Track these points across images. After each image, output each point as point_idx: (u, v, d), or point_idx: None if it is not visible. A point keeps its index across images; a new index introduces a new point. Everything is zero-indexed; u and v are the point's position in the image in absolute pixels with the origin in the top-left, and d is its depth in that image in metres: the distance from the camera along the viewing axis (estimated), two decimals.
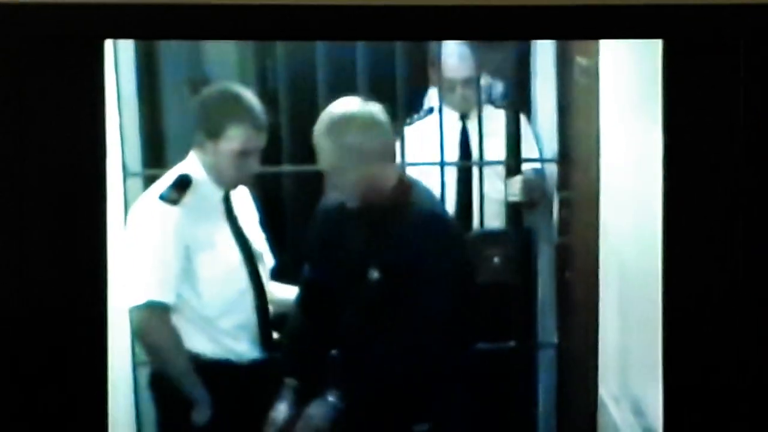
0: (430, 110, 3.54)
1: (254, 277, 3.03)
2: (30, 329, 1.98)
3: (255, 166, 2.99)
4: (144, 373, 3.13)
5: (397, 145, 3.11)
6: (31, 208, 1.96)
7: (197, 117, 2.99)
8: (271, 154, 3.28)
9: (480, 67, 3.50)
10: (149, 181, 3.13)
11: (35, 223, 1.97)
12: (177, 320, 2.93)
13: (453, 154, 3.56)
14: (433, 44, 3.49)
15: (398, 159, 3.16)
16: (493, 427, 3.25)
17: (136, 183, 3.26)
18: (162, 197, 2.92)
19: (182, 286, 2.93)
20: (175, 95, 3.48)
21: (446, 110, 3.53)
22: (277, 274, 3.16)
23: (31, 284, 1.97)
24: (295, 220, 3.39)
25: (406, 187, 2.95)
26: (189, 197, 2.93)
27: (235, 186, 3.02)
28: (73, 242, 1.98)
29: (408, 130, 3.45)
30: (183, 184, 2.94)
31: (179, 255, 2.91)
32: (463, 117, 3.58)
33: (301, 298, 3.06)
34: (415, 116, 3.55)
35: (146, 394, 3.12)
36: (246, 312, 3.02)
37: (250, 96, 2.98)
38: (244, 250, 3.02)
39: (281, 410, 2.94)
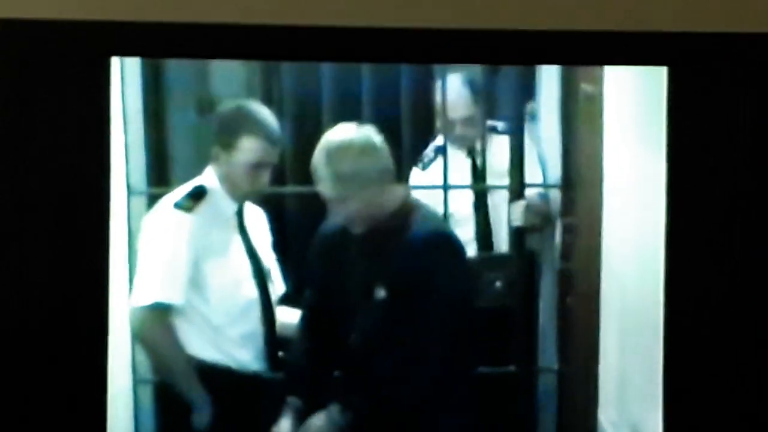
0: (440, 149, 3.53)
1: (263, 290, 3.07)
2: (29, 344, 1.98)
3: (266, 180, 3.04)
4: (145, 389, 3.13)
5: (397, 169, 3.11)
6: (35, 223, 1.96)
7: (214, 130, 3.06)
8: (276, 174, 3.28)
9: (480, 104, 3.51)
10: (153, 199, 3.13)
11: (39, 239, 1.97)
12: (183, 326, 2.96)
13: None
14: (435, 79, 3.50)
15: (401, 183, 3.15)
16: None
17: (140, 202, 3.25)
18: (177, 205, 2.98)
19: (190, 292, 2.95)
20: (181, 114, 3.48)
21: (452, 148, 3.54)
22: (287, 300, 3.19)
23: (34, 303, 1.97)
24: (298, 241, 3.39)
25: (410, 208, 2.95)
26: (203, 207, 2.99)
27: (247, 199, 3.07)
28: (77, 260, 1.98)
29: (420, 174, 3.47)
30: (198, 194, 3.00)
31: (189, 261, 2.95)
32: (471, 152, 3.59)
33: (305, 320, 3.06)
34: (425, 157, 3.55)
35: (146, 407, 3.13)
36: (253, 323, 3.05)
37: (266, 112, 3.04)
38: (254, 263, 3.07)
39: (283, 428, 2.94)
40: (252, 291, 3.06)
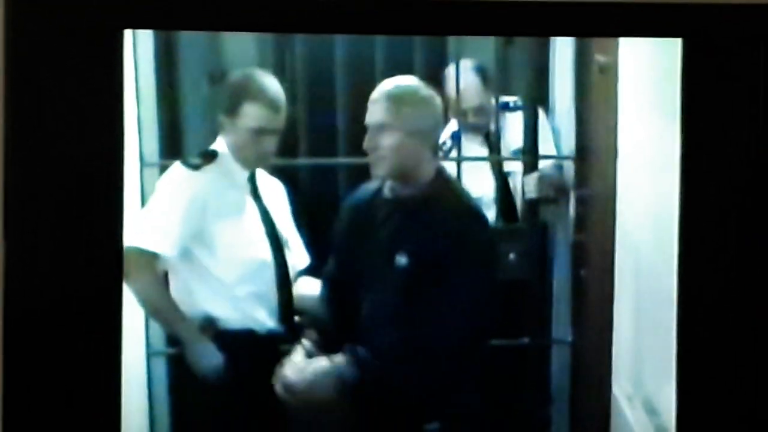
0: (456, 135, 3.53)
1: (277, 254, 3.09)
2: (44, 317, 1.98)
3: (273, 148, 3.06)
4: (158, 363, 3.14)
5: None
6: (49, 197, 1.97)
7: (218, 99, 3.11)
8: (288, 146, 3.28)
9: (490, 91, 3.52)
10: (166, 171, 3.14)
11: (52, 212, 1.97)
12: (187, 277, 3.00)
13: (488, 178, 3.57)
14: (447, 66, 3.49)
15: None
16: (505, 425, 3.24)
17: (153, 173, 3.26)
18: (184, 162, 3.04)
19: (195, 245, 2.98)
20: (194, 86, 3.48)
21: (466, 135, 3.54)
22: (311, 272, 3.19)
23: (46, 272, 1.98)
24: (312, 212, 3.39)
25: (443, 181, 2.99)
26: (213, 168, 3.03)
27: (256, 166, 3.09)
28: (90, 231, 1.98)
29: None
30: (208, 155, 3.05)
31: (194, 215, 2.97)
32: (486, 135, 3.60)
33: (325, 284, 3.07)
34: (444, 145, 3.54)
35: (160, 380, 3.15)
36: (265, 284, 3.07)
37: (270, 79, 3.06)
38: (268, 228, 3.09)
39: (291, 363, 2.96)
40: (265, 253, 3.07)
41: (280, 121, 3.04)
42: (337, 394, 2.89)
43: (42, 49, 1.95)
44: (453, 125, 3.53)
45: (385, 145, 2.92)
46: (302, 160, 3.53)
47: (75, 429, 1.99)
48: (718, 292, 2.04)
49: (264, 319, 3.05)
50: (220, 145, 3.07)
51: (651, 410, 2.73)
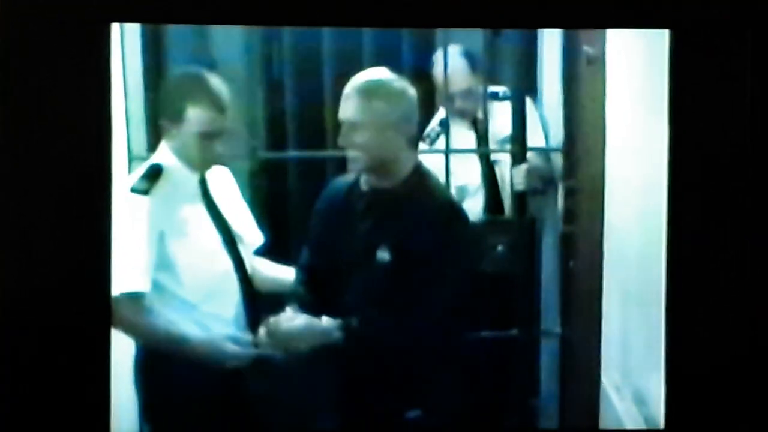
0: (444, 122, 3.53)
1: (236, 259, 3.02)
2: (34, 312, 1.98)
3: (223, 148, 2.98)
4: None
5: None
6: (37, 190, 1.96)
7: (160, 104, 3.00)
8: (277, 139, 3.28)
9: (478, 75, 3.51)
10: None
11: (41, 205, 1.97)
12: (162, 308, 2.91)
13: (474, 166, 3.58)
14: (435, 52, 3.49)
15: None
16: (493, 416, 3.25)
17: (141, 166, 3.25)
18: (133, 189, 2.92)
19: (160, 274, 2.91)
20: None
21: (454, 121, 3.54)
22: (267, 252, 3.15)
23: (36, 266, 1.97)
24: (300, 206, 3.39)
25: (421, 175, 2.96)
26: (162, 185, 2.93)
27: (206, 168, 3.00)
28: (79, 224, 1.98)
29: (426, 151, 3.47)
30: (153, 173, 2.94)
31: (154, 243, 2.89)
32: (473, 122, 3.59)
33: (303, 274, 3.06)
34: (432, 132, 3.54)
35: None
36: (230, 294, 3.01)
37: (211, 78, 2.96)
38: (223, 233, 3.01)
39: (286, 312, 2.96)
40: (225, 262, 3.01)
41: (225, 121, 2.95)
42: (319, 349, 2.88)
43: (29, 44, 1.95)
44: (441, 113, 3.52)
45: (358, 142, 2.91)
46: (291, 153, 3.53)
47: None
48: (706, 283, 2.04)
49: (233, 331, 2.98)
50: (163, 152, 2.98)
51: (640, 400, 2.73)
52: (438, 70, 3.45)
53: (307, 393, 3.00)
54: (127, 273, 2.84)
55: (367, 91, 2.90)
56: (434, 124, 3.51)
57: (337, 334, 2.89)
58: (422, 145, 3.45)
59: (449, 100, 3.51)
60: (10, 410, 1.99)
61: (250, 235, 3.11)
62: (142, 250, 2.88)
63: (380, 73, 2.96)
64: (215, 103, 2.93)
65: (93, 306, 2.00)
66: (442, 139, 3.50)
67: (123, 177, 3.09)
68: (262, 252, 3.14)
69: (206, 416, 2.94)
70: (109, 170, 2.01)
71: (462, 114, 3.55)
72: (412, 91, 2.94)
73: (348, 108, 2.91)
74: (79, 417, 2.01)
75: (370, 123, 2.90)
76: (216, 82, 2.95)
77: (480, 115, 3.57)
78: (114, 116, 2.02)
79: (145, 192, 2.91)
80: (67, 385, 2.00)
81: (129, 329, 2.87)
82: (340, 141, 2.94)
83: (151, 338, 2.93)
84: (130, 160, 3.23)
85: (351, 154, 2.94)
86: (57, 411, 2.00)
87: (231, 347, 2.95)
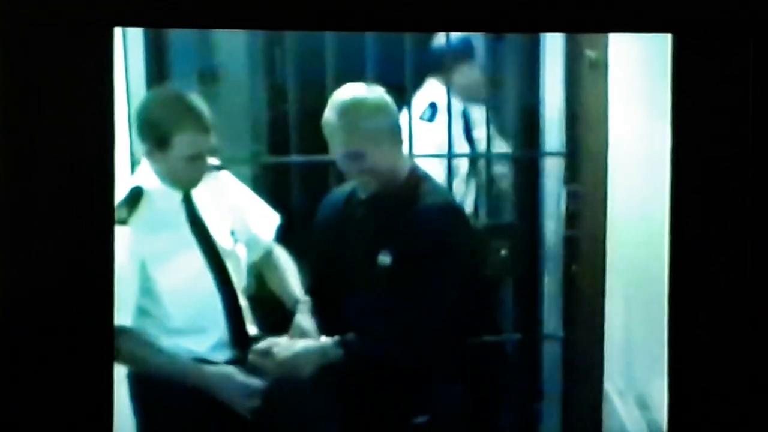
0: (433, 105, 3.53)
1: (221, 278, 2.95)
2: (35, 318, 1.98)
3: (206, 167, 2.92)
4: None
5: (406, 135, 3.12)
6: (40, 194, 1.96)
7: (141, 126, 2.91)
8: (280, 144, 3.27)
9: (481, 68, 3.52)
10: None
11: (43, 209, 1.97)
12: (148, 335, 2.85)
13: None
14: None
15: (406, 151, 3.16)
16: (496, 420, 3.25)
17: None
18: None
19: (145, 301, 2.85)
20: (184, 84, 3.47)
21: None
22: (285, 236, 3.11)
23: (37, 272, 1.97)
24: (303, 210, 3.39)
25: (417, 179, 2.97)
26: (141, 211, 2.86)
27: (190, 187, 2.93)
28: (82, 229, 1.98)
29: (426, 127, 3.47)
30: (133, 198, 2.86)
31: (136, 273, 2.83)
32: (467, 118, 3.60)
33: (307, 286, 3.06)
34: (423, 114, 3.54)
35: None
36: (215, 316, 2.94)
37: (192, 99, 2.90)
38: (207, 253, 2.94)
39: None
40: (208, 284, 2.92)
41: (210, 140, 2.88)
42: (320, 370, 2.87)
43: (32, 48, 1.95)
44: (430, 92, 3.51)
45: (365, 169, 2.90)
46: (294, 158, 3.53)
47: None
48: (709, 286, 2.04)
49: (220, 353, 2.93)
50: (144, 172, 2.90)
51: (643, 405, 2.73)
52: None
53: (312, 402, 3.00)
54: (121, 306, 2.78)
55: (351, 119, 2.88)
56: (424, 105, 3.50)
57: (336, 352, 2.88)
58: (422, 123, 3.44)
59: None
60: (10, 411, 1.99)
61: (254, 235, 3.07)
62: (123, 281, 2.69)
63: (355, 92, 2.92)
64: (201, 125, 2.85)
65: (95, 311, 2.01)
66: (439, 117, 3.49)
67: (125, 181, 3.09)
68: (279, 237, 3.09)
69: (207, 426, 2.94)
70: (111, 175, 2.01)
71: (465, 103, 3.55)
72: (388, 97, 2.93)
73: (336, 143, 2.89)
74: (81, 419, 2.01)
75: (364, 148, 2.88)
76: (198, 101, 2.88)
77: (483, 115, 3.56)
78: (116, 120, 2.02)
79: (124, 222, 2.81)
80: (69, 388, 2.00)
81: (129, 364, 2.83)
82: (343, 169, 2.94)
83: (149, 369, 2.86)
84: (133, 165, 3.23)
85: (357, 180, 2.95)
86: (58, 415, 2.00)
87: (247, 379, 2.88)
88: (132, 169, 3.20)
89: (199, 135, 2.86)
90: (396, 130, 2.95)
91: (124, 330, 2.73)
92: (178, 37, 3.36)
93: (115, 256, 2.02)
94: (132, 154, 3.23)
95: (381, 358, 2.89)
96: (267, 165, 3.40)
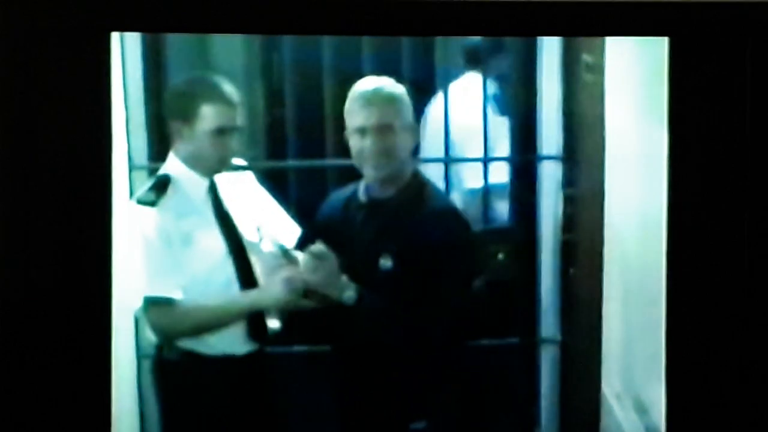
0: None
1: (242, 267, 3.00)
2: (34, 320, 1.98)
3: (233, 147, 2.99)
4: (147, 364, 3.13)
5: None
6: (38, 199, 1.97)
7: (170, 107, 3.02)
8: (276, 149, 3.27)
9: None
10: (155, 174, 3.13)
11: (41, 214, 1.97)
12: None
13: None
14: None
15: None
16: (493, 425, 3.25)
17: (141, 176, 3.26)
18: (140, 201, 2.93)
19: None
20: None
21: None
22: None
23: (36, 275, 1.97)
24: (300, 215, 3.39)
25: (419, 183, 2.98)
26: (169, 196, 2.94)
27: (217, 171, 3.00)
28: (79, 234, 1.98)
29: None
30: (160, 185, 2.95)
31: (166, 253, 2.90)
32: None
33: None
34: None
35: (149, 387, 3.12)
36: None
37: (218, 77, 3.01)
38: (231, 242, 3.00)
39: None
40: (228, 272, 2.98)
41: (237, 117, 2.97)
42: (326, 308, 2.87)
43: (30, 52, 1.95)
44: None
45: (387, 145, 2.90)
46: (291, 162, 3.53)
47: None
48: (706, 290, 2.04)
49: (237, 343, 2.98)
50: (172, 163, 2.98)
51: (641, 409, 2.73)
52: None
53: (310, 406, 2.99)
54: (158, 279, 2.88)
55: (389, 96, 2.92)
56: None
57: (351, 294, 2.87)
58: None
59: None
60: (9, 412, 1.99)
61: (273, 238, 3.09)
62: (164, 258, 2.89)
63: (389, 81, 2.97)
64: (227, 98, 2.95)
65: (94, 315, 2.00)
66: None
67: (123, 186, 3.10)
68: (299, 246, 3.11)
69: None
70: (109, 179, 2.01)
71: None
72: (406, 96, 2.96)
73: (373, 113, 2.90)
74: (80, 420, 2.01)
75: (398, 126, 2.91)
76: (224, 81, 2.99)
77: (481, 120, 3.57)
78: (114, 125, 2.02)
79: (152, 203, 2.91)
80: (68, 390, 2.00)
81: (158, 330, 2.91)
82: (367, 146, 2.91)
83: (186, 332, 2.93)
84: (131, 169, 3.23)
85: (376, 159, 2.93)
86: (57, 416, 2.00)
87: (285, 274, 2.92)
88: (130, 173, 3.21)
89: (225, 107, 2.94)
90: (416, 126, 2.99)
91: (169, 301, 2.88)
92: (176, 42, 3.36)
93: (113, 257, 2.02)
94: (130, 158, 3.23)
95: (384, 355, 2.89)
96: (264, 170, 3.40)
